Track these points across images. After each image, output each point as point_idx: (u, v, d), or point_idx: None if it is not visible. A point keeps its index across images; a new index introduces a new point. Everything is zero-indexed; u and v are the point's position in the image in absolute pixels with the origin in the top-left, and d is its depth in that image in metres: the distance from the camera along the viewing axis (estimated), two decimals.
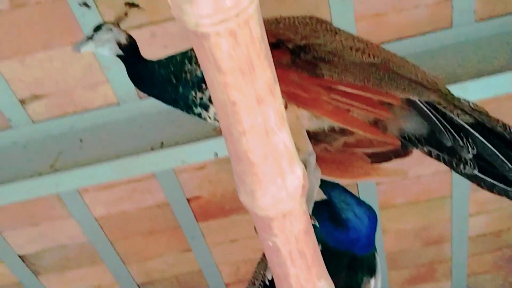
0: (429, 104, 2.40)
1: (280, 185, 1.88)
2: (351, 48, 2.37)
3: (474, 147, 2.39)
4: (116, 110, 3.86)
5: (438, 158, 2.49)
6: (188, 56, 2.42)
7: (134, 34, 2.58)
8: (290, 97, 2.26)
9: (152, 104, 3.69)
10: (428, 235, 4.90)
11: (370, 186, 4.40)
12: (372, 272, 3.20)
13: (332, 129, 2.50)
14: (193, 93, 2.40)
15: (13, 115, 3.84)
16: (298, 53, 2.31)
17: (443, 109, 2.40)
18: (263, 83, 1.57)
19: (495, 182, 2.46)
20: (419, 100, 2.39)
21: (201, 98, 2.40)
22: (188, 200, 4.36)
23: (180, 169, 4.12)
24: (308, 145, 2.44)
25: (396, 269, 5.09)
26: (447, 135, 2.38)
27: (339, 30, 2.46)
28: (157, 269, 4.85)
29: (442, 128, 2.38)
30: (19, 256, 4.59)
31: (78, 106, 3.85)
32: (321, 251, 2.41)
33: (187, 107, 2.45)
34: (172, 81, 2.42)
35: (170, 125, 3.77)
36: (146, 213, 4.42)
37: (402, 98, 2.37)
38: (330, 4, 3.55)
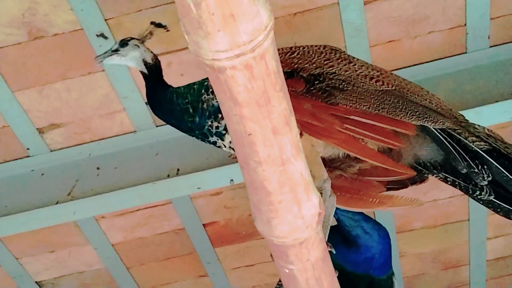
0: (443, 131, 2.41)
1: (296, 213, 1.89)
2: (365, 76, 2.39)
3: (490, 173, 2.38)
4: (133, 138, 3.89)
5: (454, 184, 2.49)
6: (205, 86, 2.42)
7: None
8: (304, 126, 2.26)
9: (168, 132, 3.73)
10: (446, 259, 4.87)
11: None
12: None
13: (347, 156, 2.50)
14: (209, 122, 2.40)
15: (31, 144, 3.88)
16: (312, 81, 2.33)
17: (457, 136, 2.41)
18: (279, 114, 1.59)
19: (511, 208, 2.46)
20: (433, 127, 2.39)
21: (217, 128, 2.40)
22: (204, 225, 4.37)
23: (196, 194, 4.13)
24: (323, 172, 2.45)
25: None
26: (462, 162, 2.38)
27: (354, 58, 2.48)
28: None
29: (456, 155, 2.38)
30: (37, 283, 4.61)
31: (95, 135, 3.89)
32: (339, 277, 2.41)
33: (203, 136, 2.45)
34: (189, 110, 2.42)
35: (186, 152, 3.79)
36: (162, 239, 4.43)
37: (416, 126, 2.37)
38: (344, 31, 3.58)
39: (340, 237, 3.19)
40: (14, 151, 3.93)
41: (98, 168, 3.89)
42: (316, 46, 2.49)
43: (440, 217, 4.56)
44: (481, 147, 2.40)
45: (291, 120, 1.65)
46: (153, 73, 2.52)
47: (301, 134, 2.26)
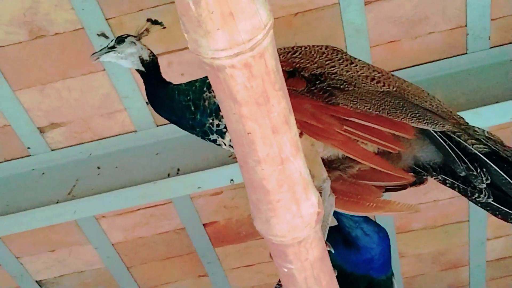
0: (443, 133, 2.41)
1: (295, 213, 1.89)
2: (366, 77, 2.39)
3: (488, 176, 2.38)
4: (133, 138, 3.89)
5: (452, 186, 2.50)
6: (207, 83, 2.40)
7: None
8: (303, 126, 2.26)
9: (169, 132, 3.74)
10: (445, 260, 4.87)
11: None
12: None
13: (347, 157, 2.50)
14: (210, 120, 2.40)
15: (31, 143, 3.89)
16: (313, 81, 2.33)
17: (457, 138, 2.41)
18: (278, 113, 1.59)
19: (510, 211, 2.46)
20: (433, 130, 2.39)
21: (217, 126, 2.40)
22: (204, 225, 4.37)
23: (196, 194, 4.14)
24: (323, 172, 2.45)
25: None
26: (460, 165, 2.38)
27: (355, 59, 2.48)
28: None
29: (455, 157, 2.38)
30: (37, 282, 4.62)
31: (95, 134, 3.90)
32: (338, 277, 2.41)
33: (203, 133, 2.45)
34: (191, 108, 2.41)
35: (187, 152, 3.79)
36: (162, 239, 4.44)
37: (416, 129, 2.37)
38: (345, 32, 3.58)
39: (340, 238, 3.20)
40: (15, 150, 3.94)
41: (98, 168, 3.89)
42: (318, 46, 2.49)
43: (440, 217, 4.56)
44: (481, 150, 2.39)
45: (290, 119, 1.65)
46: (150, 70, 2.51)
47: (301, 134, 2.26)
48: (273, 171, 1.73)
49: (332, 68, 2.38)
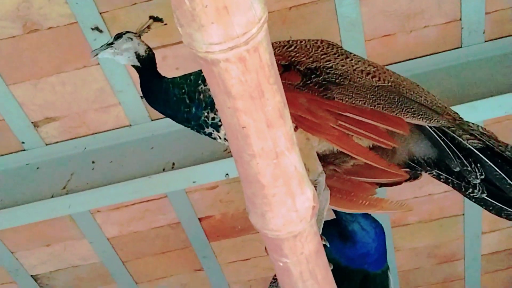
0: (438, 128, 2.41)
1: (290, 207, 1.89)
2: (361, 72, 2.39)
3: (483, 171, 2.39)
4: (128, 132, 3.89)
5: (446, 182, 2.50)
6: (202, 76, 2.40)
7: None
8: (298, 121, 2.26)
9: (164, 126, 3.73)
10: (440, 253, 4.88)
11: None
12: None
13: (342, 151, 2.50)
14: (205, 113, 2.40)
15: (26, 138, 3.88)
16: (309, 75, 2.33)
17: (452, 134, 2.41)
18: (273, 107, 1.59)
19: (503, 206, 2.47)
20: (428, 125, 2.39)
21: (213, 119, 2.40)
22: (199, 219, 4.37)
23: (192, 188, 4.14)
24: (318, 166, 2.45)
25: (409, 287, 5.06)
26: (455, 160, 2.39)
27: (350, 53, 2.48)
28: None
29: (450, 153, 2.39)
30: (32, 277, 4.61)
31: (90, 128, 3.89)
32: (333, 271, 2.42)
33: (198, 127, 2.45)
34: (186, 101, 2.41)
35: (182, 146, 3.79)
36: (158, 233, 4.44)
37: (410, 124, 2.37)
38: (339, 26, 3.58)
39: (336, 232, 3.20)
40: (9, 145, 3.93)
41: (93, 162, 3.89)
42: (313, 40, 2.49)
43: (435, 211, 4.57)
44: (475, 145, 2.40)
45: (285, 113, 1.65)
46: (146, 66, 2.51)
47: (296, 128, 2.26)
48: (268, 165, 1.72)
49: (328, 62, 2.38)
